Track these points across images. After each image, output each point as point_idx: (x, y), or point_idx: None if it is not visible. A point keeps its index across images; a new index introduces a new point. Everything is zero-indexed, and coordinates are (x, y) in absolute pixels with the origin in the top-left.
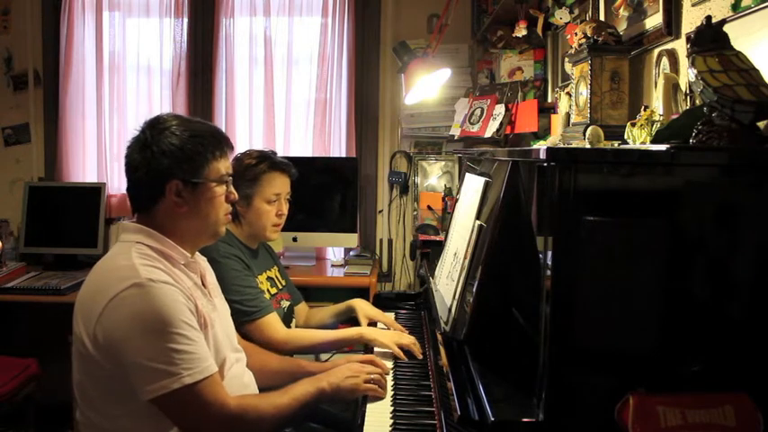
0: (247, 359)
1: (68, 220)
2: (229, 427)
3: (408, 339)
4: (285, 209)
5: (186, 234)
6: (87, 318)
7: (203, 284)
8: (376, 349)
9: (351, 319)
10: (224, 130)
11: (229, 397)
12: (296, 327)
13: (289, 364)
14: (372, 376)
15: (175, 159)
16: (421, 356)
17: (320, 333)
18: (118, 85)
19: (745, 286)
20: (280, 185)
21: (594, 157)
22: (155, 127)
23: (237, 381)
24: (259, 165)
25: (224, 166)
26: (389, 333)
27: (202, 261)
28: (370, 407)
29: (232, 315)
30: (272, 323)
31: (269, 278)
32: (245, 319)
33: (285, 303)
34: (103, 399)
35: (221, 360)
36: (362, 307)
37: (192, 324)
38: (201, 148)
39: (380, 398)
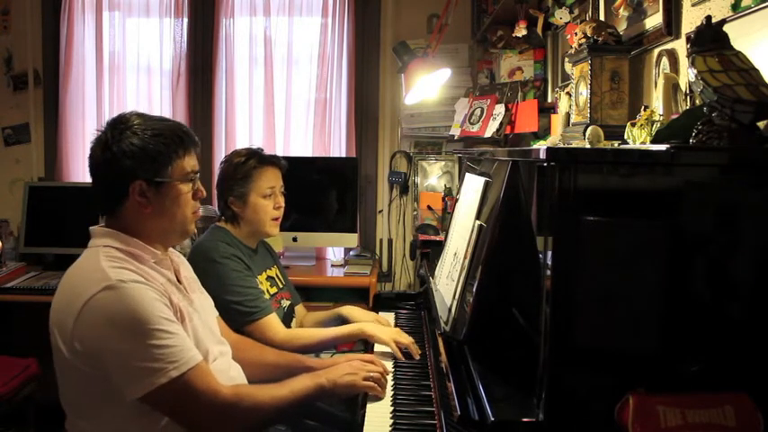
0: (244, 353)
1: (68, 220)
2: (224, 415)
3: (407, 339)
4: (281, 202)
5: (154, 233)
6: (62, 326)
7: (178, 280)
8: (376, 349)
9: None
10: (224, 131)
11: (222, 385)
12: (295, 326)
13: (286, 358)
14: (372, 374)
15: (137, 160)
16: (418, 357)
17: (321, 331)
18: (118, 85)
19: (745, 286)
20: (272, 179)
21: (594, 157)
22: (116, 127)
23: (224, 375)
24: (248, 161)
25: (189, 163)
26: (389, 330)
27: (176, 257)
28: (370, 407)
29: (233, 316)
30: (272, 323)
31: (269, 277)
32: (245, 319)
33: (285, 303)
34: (90, 405)
35: (204, 352)
36: (356, 316)
37: (169, 318)
38: (164, 147)
39: (380, 397)
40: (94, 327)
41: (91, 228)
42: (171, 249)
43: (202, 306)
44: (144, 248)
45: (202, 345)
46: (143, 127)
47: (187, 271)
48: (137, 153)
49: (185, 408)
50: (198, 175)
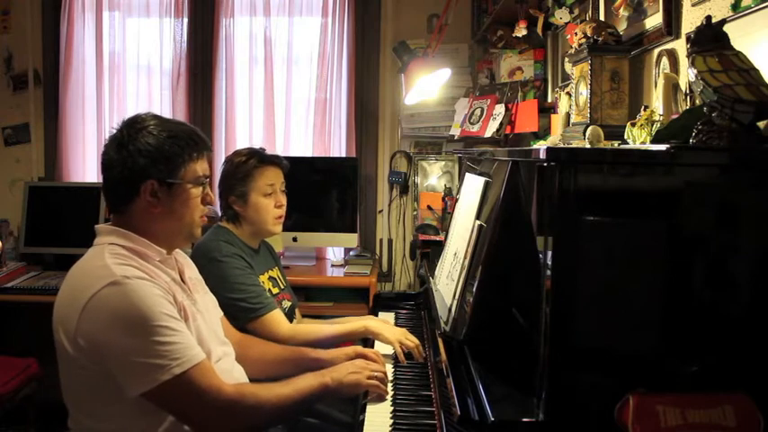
0: (248, 350)
1: (68, 220)
2: (227, 413)
3: (412, 341)
4: (283, 200)
5: (161, 234)
6: (66, 322)
7: (182, 280)
8: (377, 345)
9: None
10: (224, 131)
11: (225, 383)
12: None
13: (290, 352)
14: (376, 373)
15: (152, 159)
16: (422, 360)
17: (324, 327)
18: (118, 86)
19: (745, 286)
20: (272, 177)
21: (594, 157)
22: (132, 126)
23: (227, 375)
24: (249, 161)
25: (201, 167)
26: (395, 330)
27: (181, 257)
28: (370, 407)
29: (236, 314)
30: (276, 319)
31: (271, 278)
32: (250, 316)
33: (287, 304)
34: (94, 401)
35: (207, 352)
36: (385, 334)
37: (173, 315)
38: (178, 148)
39: (383, 396)
40: (98, 323)
41: (96, 226)
42: (176, 250)
43: (206, 307)
44: (149, 247)
45: (206, 345)
46: (159, 128)
47: (192, 271)
48: (151, 153)
49: (188, 405)
50: (208, 179)
